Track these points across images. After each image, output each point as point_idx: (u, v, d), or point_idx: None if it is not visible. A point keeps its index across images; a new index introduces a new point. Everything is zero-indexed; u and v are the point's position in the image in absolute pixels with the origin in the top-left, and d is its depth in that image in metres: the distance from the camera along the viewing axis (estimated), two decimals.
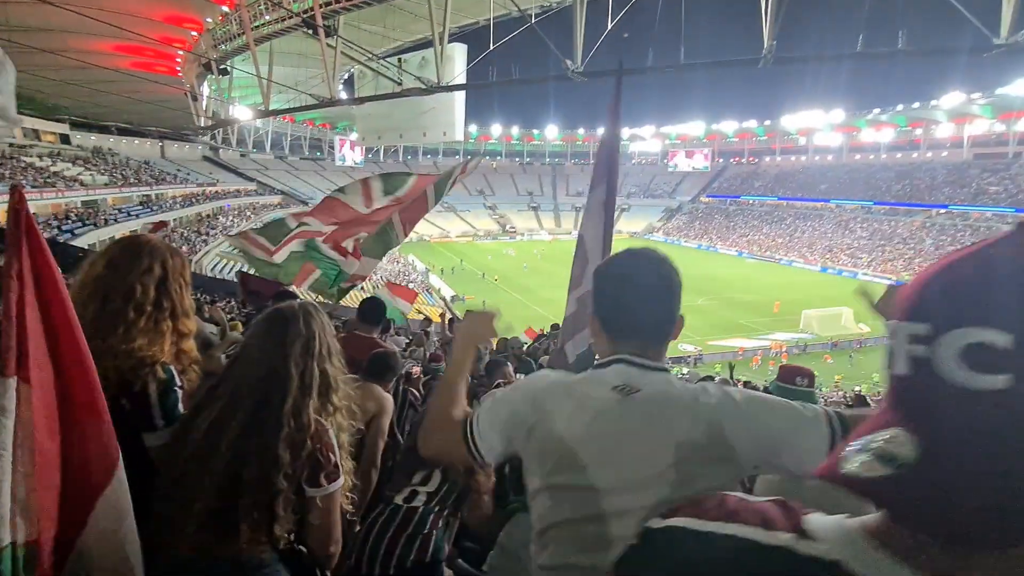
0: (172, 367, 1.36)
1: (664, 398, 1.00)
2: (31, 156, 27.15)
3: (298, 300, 1.44)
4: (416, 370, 6.04)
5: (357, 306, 4.02)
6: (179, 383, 1.37)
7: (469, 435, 1.09)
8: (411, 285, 35.76)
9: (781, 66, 13.91)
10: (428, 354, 6.38)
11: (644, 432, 0.97)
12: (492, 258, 47.96)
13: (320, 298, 6.11)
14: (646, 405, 0.99)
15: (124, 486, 1.11)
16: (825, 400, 11.88)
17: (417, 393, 3.83)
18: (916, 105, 53.32)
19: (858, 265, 43.58)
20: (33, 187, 23.40)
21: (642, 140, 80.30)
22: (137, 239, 1.44)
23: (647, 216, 69.39)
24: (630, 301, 1.07)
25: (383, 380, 2.74)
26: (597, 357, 1.16)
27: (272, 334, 1.34)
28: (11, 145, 26.88)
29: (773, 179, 68.81)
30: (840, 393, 16.76)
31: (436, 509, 1.89)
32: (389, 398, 2.70)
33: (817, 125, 63.79)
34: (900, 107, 55.47)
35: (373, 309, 3.67)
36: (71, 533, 1.04)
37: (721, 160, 78.48)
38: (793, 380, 2.38)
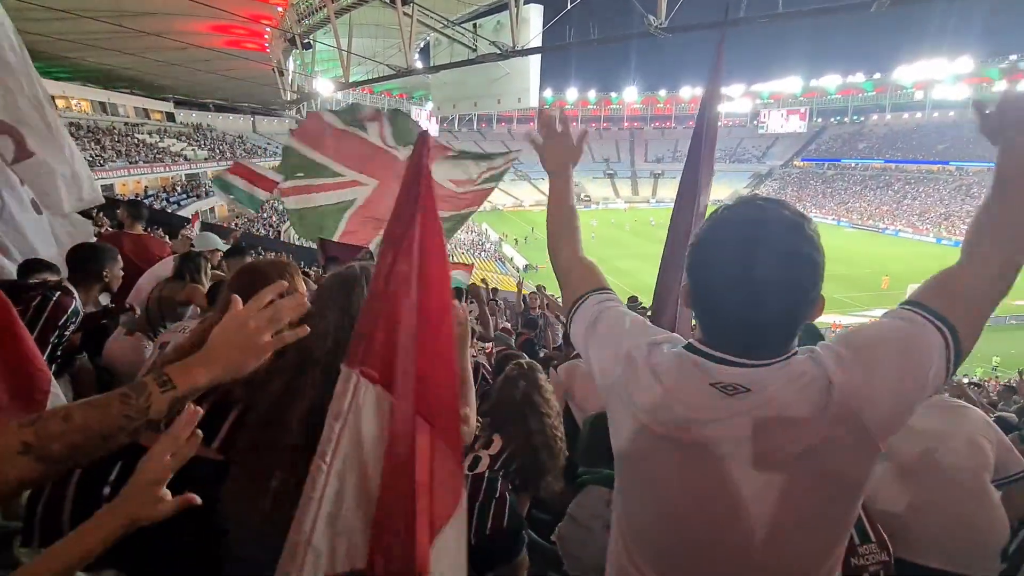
0: None
1: (786, 396, 0.79)
2: (142, 133, 29.82)
3: (361, 262, 1.34)
4: (488, 345, 6.01)
5: None
6: None
7: (577, 307, 1.10)
8: (484, 255, 36.19)
9: (898, 7, 12.11)
10: (499, 326, 6.31)
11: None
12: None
13: None
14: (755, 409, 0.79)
15: (463, 524, 0.95)
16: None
17: (488, 366, 3.75)
18: None
19: None
20: (145, 162, 25.72)
21: (729, 100, 74.92)
22: (247, 269, 1.55)
23: (732, 183, 64.99)
24: (744, 282, 0.80)
25: None
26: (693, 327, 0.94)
27: (335, 299, 1.25)
28: (126, 124, 29.63)
29: (880, 140, 62.07)
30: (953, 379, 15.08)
31: (501, 473, 1.78)
32: (470, 370, 2.62)
33: (939, 76, 56.39)
34: None
35: None
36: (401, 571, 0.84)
37: (820, 120, 71.84)
38: None
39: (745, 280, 0.79)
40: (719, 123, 3.74)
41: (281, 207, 30.04)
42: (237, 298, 0.99)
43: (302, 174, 5.14)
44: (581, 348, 1.07)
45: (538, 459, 1.82)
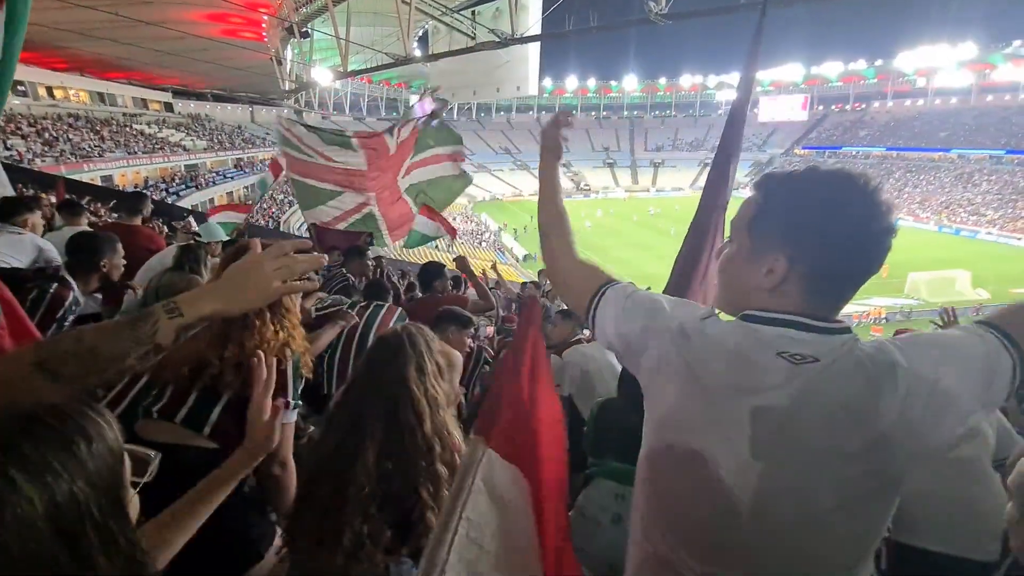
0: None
1: (852, 371, 0.80)
2: (141, 124, 29.64)
3: (400, 327, 1.47)
4: (490, 330, 6.03)
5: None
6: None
7: (597, 298, 1.05)
8: (484, 245, 36.11)
9: None
10: (501, 315, 6.32)
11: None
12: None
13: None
14: (829, 379, 0.80)
15: None
16: None
17: (491, 352, 3.77)
18: None
19: (980, 223, 38.53)
20: (144, 153, 25.58)
21: (730, 88, 74.42)
22: (240, 248, 1.58)
23: None
24: (848, 236, 0.84)
25: (446, 332, 2.63)
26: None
27: (387, 361, 1.37)
28: (124, 114, 29.43)
29: (882, 127, 61.69)
30: None
31: None
32: (457, 353, 2.63)
33: (941, 63, 55.90)
34: None
35: (431, 276, 3.82)
36: None
37: (821, 107, 71.27)
38: None
39: (868, 233, 0.85)
40: (718, 112, 3.71)
41: (281, 198, 29.97)
42: (257, 241, 1.07)
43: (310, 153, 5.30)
44: (613, 335, 1.02)
45: None
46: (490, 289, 5.46)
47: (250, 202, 6.70)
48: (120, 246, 2.54)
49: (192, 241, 3.84)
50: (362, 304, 2.93)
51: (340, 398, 1.43)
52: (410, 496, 1.24)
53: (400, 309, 3.01)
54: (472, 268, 3.93)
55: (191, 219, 7.33)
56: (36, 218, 2.84)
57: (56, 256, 2.75)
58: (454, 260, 4.29)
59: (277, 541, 1.48)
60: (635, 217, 45.40)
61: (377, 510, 1.21)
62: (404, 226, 5.77)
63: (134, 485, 0.71)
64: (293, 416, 1.51)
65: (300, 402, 1.54)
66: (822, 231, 0.83)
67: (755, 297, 0.88)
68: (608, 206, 51.56)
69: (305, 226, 6.35)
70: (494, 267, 7.43)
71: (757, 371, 0.82)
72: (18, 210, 2.76)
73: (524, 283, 7.41)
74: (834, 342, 0.82)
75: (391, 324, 2.82)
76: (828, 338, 0.82)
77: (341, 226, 5.54)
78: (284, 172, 5.65)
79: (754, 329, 0.85)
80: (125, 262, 2.60)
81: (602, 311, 1.03)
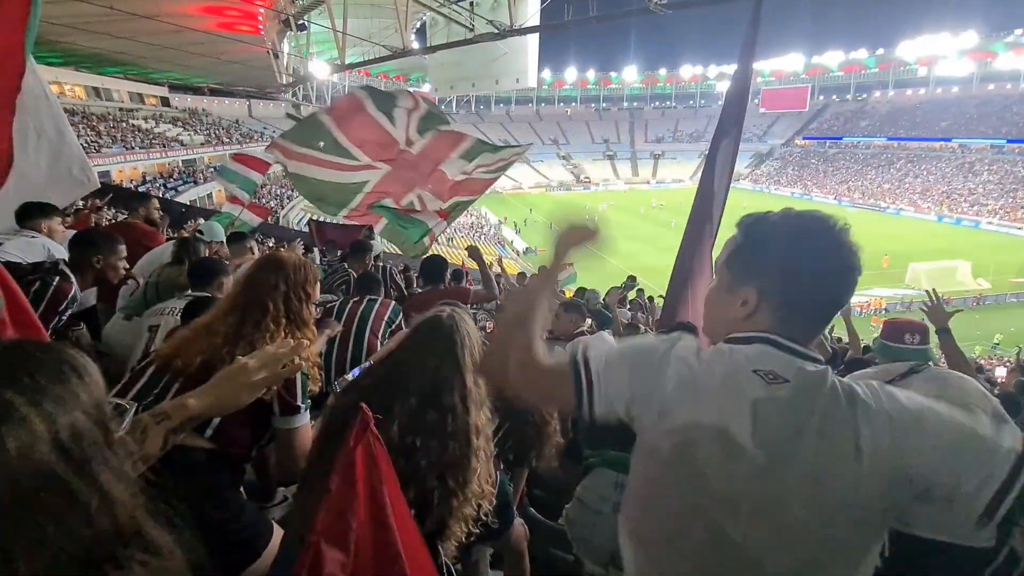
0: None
1: (815, 394, 0.82)
2: (137, 119, 29.47)
3: (448, 309, 1.50)
4: (490, 325, 6.03)
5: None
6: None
7: (583, 374, 0.89)
8: (483, 239, 36.05)
9: None
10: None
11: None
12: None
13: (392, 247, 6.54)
14: (795, 400, 0.82)
15: None
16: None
17: None
18: None
19: (981, 213, 38.47)
20: (141, 148, 25.46)
21: (730, 79, 74.01)
22: (270, 258, 1.69)
23: None
24: (811, 271, 0.87)
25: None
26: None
27: (437, 338, 1.41)
28: (120, 109, 29.27)
29: (883, 117, 61.47)
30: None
31: (495, 451, 1.81)
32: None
33: (943, 52, 55.56)
34: None
35: (433, 269, 3.84)
36: None
37: (822, 97, 71.02)
38: (902, 338, 2.02)
39: (840, 266, 0.87)
40: (719, 103, 3.71)
41: (281, 192, 29.89)
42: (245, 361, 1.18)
43: (323, 144, 5.51)
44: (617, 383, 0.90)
45: (529, 434, 1.88)
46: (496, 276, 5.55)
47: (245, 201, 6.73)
48: (121, 247, 2.56)
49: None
50: (355, 299, 2.94)
51: (380, 364, 1.46)
52: (433, 478, 1.25)
53: (393, 303, 3.02)
54: (481, 257, 4.01)
55: (200, 221, 7.41)
56: (53, 223, 2.89)
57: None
58: (467, 249, 4.40)
59: (274, 540, 1.49)
60: (642, 209, 45.36)
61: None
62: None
63: None
64: (306, 418, 1.55)
65: (309, 401, 1.57)
66: (787, 265, 0.88)
67: (733, 326, 0.93)
68: (609, 198, 51.43)
69: (305, 220, 6.45)
70: (499, 262, 7.52)
71: (737, 390, 0.84)
72: (33, 214, 2.84)
73: (521, 274, 7.43)
74: (807, 366, 0.85)
75: (385, 318, 2.85)
76: (801, 362, 0.85)
77: (355, 221, 5.78)
78: (277, 155, 5.73)
79: (731, 350, 0.89)
80: (126, 264, 2.62)
81: (602, 368, 0.90)
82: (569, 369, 0.90)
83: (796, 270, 0.87)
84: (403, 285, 4.86)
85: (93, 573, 0.56)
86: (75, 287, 2.23)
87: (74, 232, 2.85)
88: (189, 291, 2.38)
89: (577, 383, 0.89)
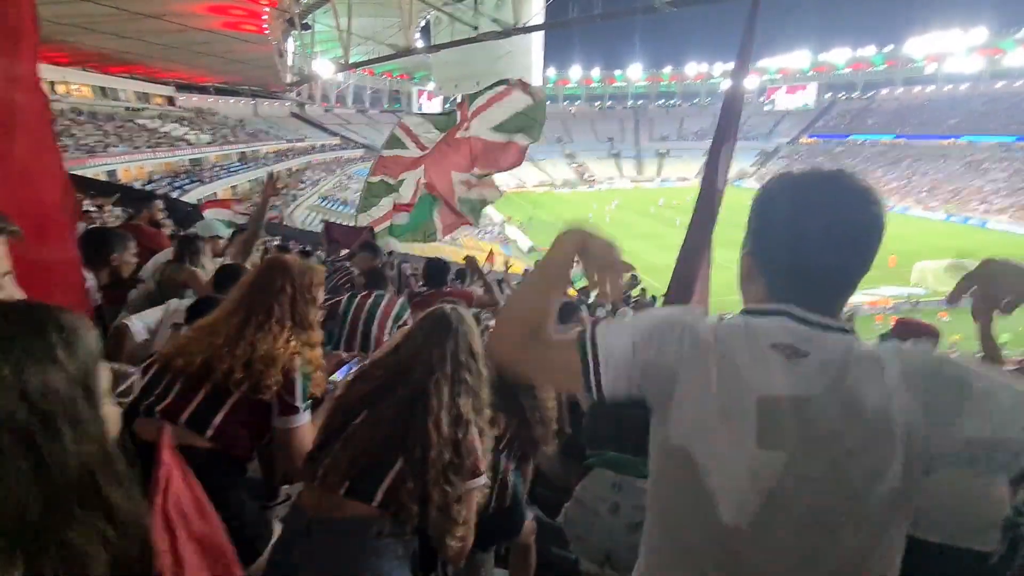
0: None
1: (840, 367, 0.77)
2: (144, 118, 29.64)
3: (451, 305, 1.53)
4: (492, 324, 6.04)
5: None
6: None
7: (589, 348, 0.86)
8: (487, 237, 36.05)
9: None
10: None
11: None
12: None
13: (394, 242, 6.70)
14: (814, 376, 0.77)
15: None
16: None
17: None
18: None
19: (990, 212, 38.10)
20: (147, 147, 25.60)
21: None
22: (276, 261, 1.70)
23: (738, 161, 64.00)
24: (819, 236, 0.80)
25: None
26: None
27: (436, 331, 1.43)
28: (127, 109, 29.43)
29: (890, 115, 60.96)
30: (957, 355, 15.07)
31: (505, 452, 1.87)
32: None
33: (951, 49, 55.08)
34: None
35: (436, 271, 3.89)
36: None
37: (829, 95, 70.51)
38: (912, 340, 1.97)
39: (838, 225, 0.80)
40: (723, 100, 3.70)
41: (285, 192, 29.96)
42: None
43: (380, 198, 6.04)
44: (624, 362, 0.87)
45: (535, 433, 1.91)
46: (498, 281, 5.54)
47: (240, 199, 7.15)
48: (132, 244, 2.61)
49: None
50: (363, 294, 2.97)
51: (387, 353, 1.49)
52: (436, 471, 1.28)
53: (402, 299, 3.04)
54: (477, 266, 4.09)
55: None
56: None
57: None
58: (464, 259, 4.42)
59: (274, 539, 1.50)
60: (652, 209, 45.15)
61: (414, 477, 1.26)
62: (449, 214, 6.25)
63: (120, 405, 0.76)
64: (305, 418, 1.56)
65: (310, 402, 1.59)
66: (787, 226, 0.83)
67: (747, 294, 0.90)
68: (615, 197, 51.28)
69: (310, 219, 6.63)
70: (505, 263, 7.61)
71: (756, 363, 0.80)
72: None
73: (527, 271, 7.51)
74: (828, 337, 0.80)
75: (392, 314, 2.87)
76: (822, 333, 0.80)
77: (382, 225, 6.04)
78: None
79: (747, 323, 0.85)
80: (136, 260, 2.66)
81: (602, 337, 0.88)
82: (576, 345, 0.88)
83: (795, 231, 0.82)
84: (414, 285, 4.90)
85: (49, 530, 0.58)
86: (90, 284, 2.27)
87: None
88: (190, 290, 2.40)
89: (583, 358, 0.86)
